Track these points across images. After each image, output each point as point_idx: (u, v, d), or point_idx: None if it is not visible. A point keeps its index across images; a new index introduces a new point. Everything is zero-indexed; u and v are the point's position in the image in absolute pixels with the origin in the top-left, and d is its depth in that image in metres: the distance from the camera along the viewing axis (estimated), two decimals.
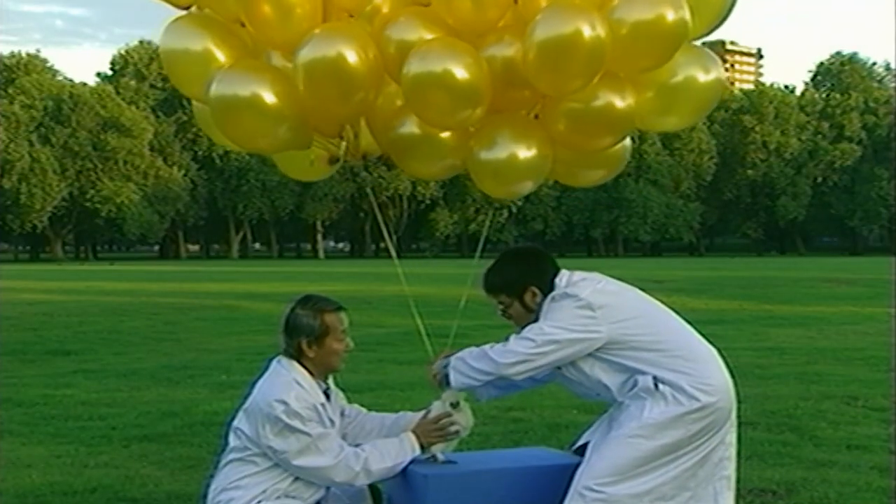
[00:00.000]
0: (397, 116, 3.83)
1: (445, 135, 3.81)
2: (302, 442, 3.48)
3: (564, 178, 4.18)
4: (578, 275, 3.69)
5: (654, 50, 3.56)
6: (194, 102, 3.99)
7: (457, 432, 3.77)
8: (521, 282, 3.70)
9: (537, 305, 3.65)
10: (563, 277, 3.68)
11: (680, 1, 3.49)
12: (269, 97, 3.49)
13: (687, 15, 3.50)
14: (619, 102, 3.64)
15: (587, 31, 3.34)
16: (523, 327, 3.65)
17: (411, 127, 3.80)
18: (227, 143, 4.09)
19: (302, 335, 3.58)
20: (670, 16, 3.47)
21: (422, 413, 3.85)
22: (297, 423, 3.46)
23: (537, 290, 3.67)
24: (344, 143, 3.88)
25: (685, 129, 4.44)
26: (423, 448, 3.68)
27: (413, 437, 3.68)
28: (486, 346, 3.63)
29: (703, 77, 3.76)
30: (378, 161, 4.06)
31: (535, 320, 3.63)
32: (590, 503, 3.43)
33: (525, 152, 3.71)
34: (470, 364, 3.65)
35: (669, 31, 3.48)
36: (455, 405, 3.78)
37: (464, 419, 3.80)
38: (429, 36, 3.50)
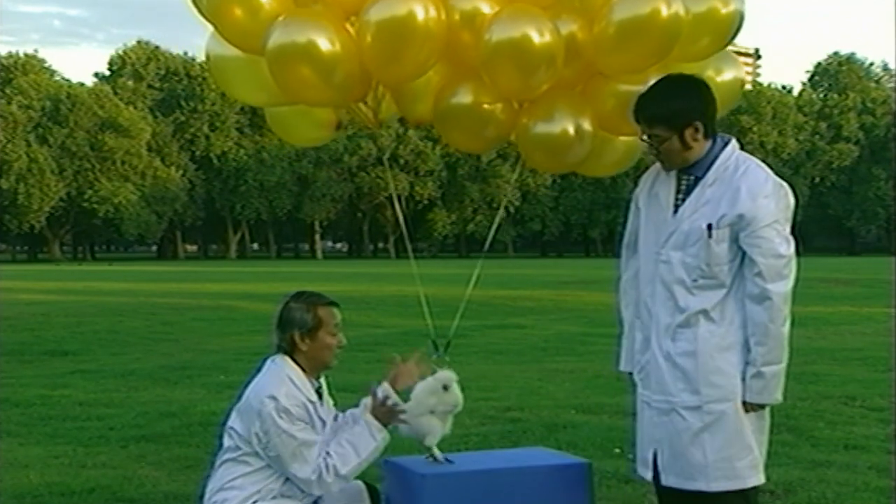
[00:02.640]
0: (449, 86, 3.87)
1: (496, 106, 3.85)
2: (287, 446, 3.45)
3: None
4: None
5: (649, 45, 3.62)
6: (216, 52, 3.96)
7: (403, 412, 3.68)
8: (687, 115, 3.33)
9: (695, 144, 3.35)
10: (736, 146, 3.43)
11: None
12: (328, 47, 3.53)
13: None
14: None
15: (664, 10, 3.45)
16: (682, 173, 3.42)
17: (461, 97, 3.83)
18: (248, 98, 4.16)
19: (295, 328, 3.57)
20: (664, 11, 3.53)
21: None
22: (284, 423, 3.44)
23: (700, 127, 3.35)
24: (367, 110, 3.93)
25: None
26: (385, 427, 3.61)
27: (373, 420, 3.61)
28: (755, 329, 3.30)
29: (722, 77, 3.84)
30: (402, 126, 4.10)
31: (683, 162, 3.40)
32: None
33: (576, 128, 3.78)
34: (775, 353, 3.31)
35: (664, 25, 3.53)
36: (447, 387, 3.73)
37: (453, 398, 3.74)
38: (487, 6, 3.59)
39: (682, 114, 3.33)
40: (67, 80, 79.28)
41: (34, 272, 42.24)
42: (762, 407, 3.39)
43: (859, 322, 15.32)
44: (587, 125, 3.80)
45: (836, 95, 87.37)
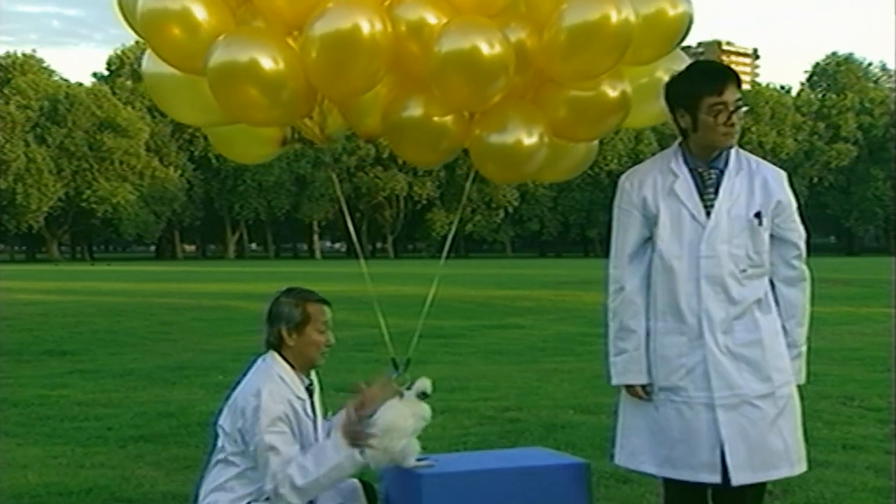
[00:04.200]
0: (399, 99, 3.81)
1: (447, 118, 3.79)
2: (257, 447, 3.40)
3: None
4: None
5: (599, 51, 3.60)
6: (152, 70, 3.81)
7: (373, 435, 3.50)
8: None
9: None
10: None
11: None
12: (272, 65, 3.44)
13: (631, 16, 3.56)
14: (613, 92, 3.70)
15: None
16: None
17: (412, 110, 3.77)
18: (187, 118, 4.04)
19: (282, 322, 3.55)
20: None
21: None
22: (259, 423, 3.39)
23: None
24: (311, 125, 3.86)
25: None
26: (353, 446, 3.44)
27: (339, 436, 3.46)
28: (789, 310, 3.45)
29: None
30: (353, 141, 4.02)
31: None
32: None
33: (530, 138, 3.72)
34: (807, 333, 3.49)
35: (614, 31, 3.50)
36: (423, 395, 3.61)
37: (425, 410, 3.62)
38: (434, 17, 3.51)
39: None
40: (66, 80, 79.34)
41: (32, 272, 42.20)
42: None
43: (858, 322, 15.31)
44: (541, 134, 3.74)
45: (834, 95, 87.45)
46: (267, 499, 3.49)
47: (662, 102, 3.53)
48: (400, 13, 3.52)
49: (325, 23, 3.39)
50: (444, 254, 4.63)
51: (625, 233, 3.58)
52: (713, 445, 3.36)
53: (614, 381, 3.59)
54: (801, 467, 3.47)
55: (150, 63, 3.80)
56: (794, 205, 3.48)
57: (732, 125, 3.38)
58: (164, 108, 4.12)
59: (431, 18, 3.51)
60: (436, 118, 3.75)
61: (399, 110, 3.78)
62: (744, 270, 3.39)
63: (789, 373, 3.45)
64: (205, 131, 4.25)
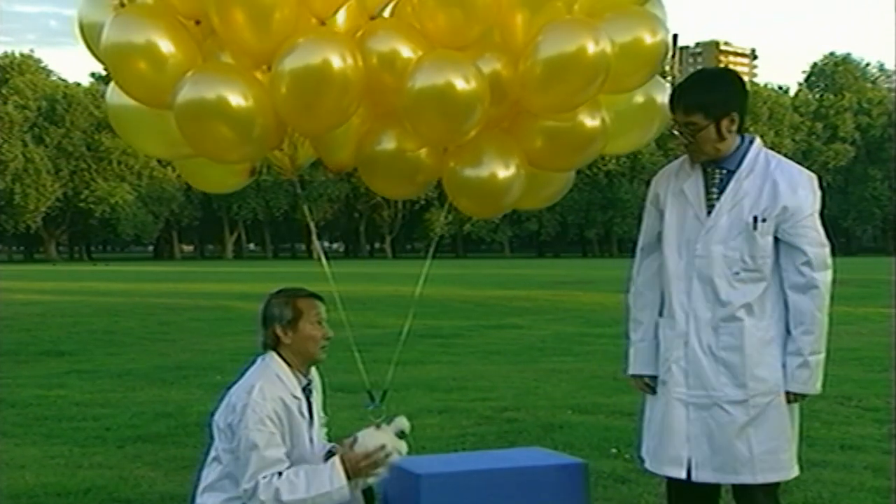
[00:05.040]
0: (372, 132, 3.75)
1: (421, 151, 3.72)
2: (241, 444, 3.39)
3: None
4: None
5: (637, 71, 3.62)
6: (116, 102, 3.74)
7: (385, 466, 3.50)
8: (725, 105, 3.38)
9: (728, 136, 3.40)
10: (761, 143, 3.49)
11: (657, 24, 3.57)
12: (241, 102, 3.35)
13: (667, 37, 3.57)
14: (591, 121, 3.64)
15: (591, 48, 3.35)
16: (709, 164, 3.45)
17: (385, 143, 3.71)
18: (153, 151, 3.99)
19: (276, 321, 3.56)
20: (648, 39, 3.54)
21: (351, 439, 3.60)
22: (243, 420, 3.38)
23: (736, 119, 3.40)
24: (283, 156, 3.78)
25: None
26: (349, 478, 3.40)
27: (340, 468, 3.40)
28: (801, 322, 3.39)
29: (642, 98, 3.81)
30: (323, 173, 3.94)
31: (714, 153, 3.41)
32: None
33: (506, 171, 3.65)
34: (820, 342, 3.43)
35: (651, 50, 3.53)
36: (402, 435, 3.56)
37: (402, 447, 3.56)
38: (406, 49, 3.44)
39: (721, 104, 3.38)
40: (64, 80, 79.35)
41: (30, 272, 42.18)
42: (804, 398, 3.46)
43: (855, 322, 15.31)
44: (517, 166, 3.67)
45: (832, 96, 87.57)
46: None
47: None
48: (371, 45, 3.44)
49: (294, 58, 3.30)
50: (430, 253, 4.56)
51: (644, 227, 3.66)
52: (682, 441, 3.42)
53: (626, 372, 3.67)
54: (767, 477, 3.40)
55: (115, 96, 3.70)
56: (809, 211, 3.41)
57: (690, 143, 3.41)
58: (129, 141, 4.04)
59: (404, 50, 3.43)
60: (409, 152, 3.69)
61: (372, 143, 3.73)
62: (736, 273, 3.38)
63: (773, 382, 3.38)
64: (174, 164, 4.14)
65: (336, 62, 3.28)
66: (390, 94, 3.45)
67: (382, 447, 3.46)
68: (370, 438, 3.51)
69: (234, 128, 3.39)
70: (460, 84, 3.31)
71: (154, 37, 3.40)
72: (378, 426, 3.56)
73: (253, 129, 3.42)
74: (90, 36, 3.64)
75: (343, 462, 3.42)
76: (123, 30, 3.42)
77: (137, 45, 3.40)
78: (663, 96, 3.74)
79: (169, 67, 3.39)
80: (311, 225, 4.43)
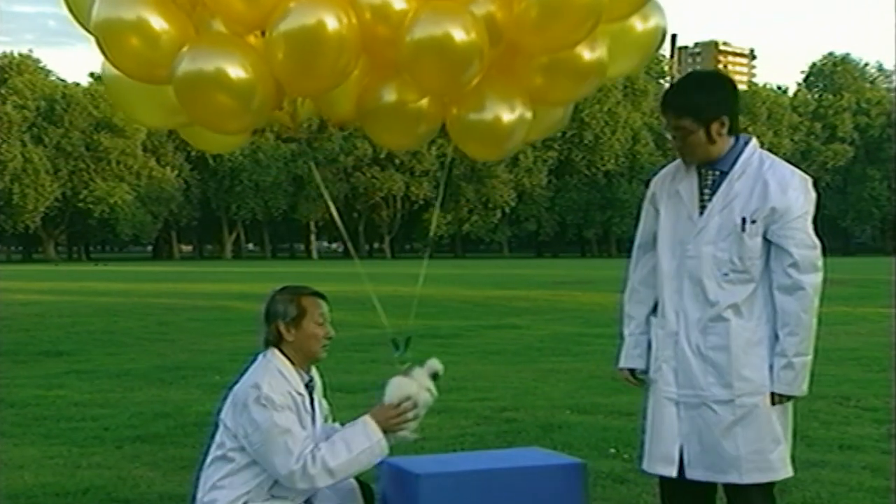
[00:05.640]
0: (372, 86, 3.75)
1: (422, 101, 3.74)
2: (269, 434, 3.39)
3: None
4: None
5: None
6: (110, 75, 3.70)
7: (416, 416, 3.57)
8: (714, 109, 3.38)
9: (719, 139, 3.40)
10: (756, 144, 3.47)
11: None
12: (240, 73, 3.35)
13: None
14: (590, 54, 3.64)
15: None
16: (703, 167, 3.45)
17: (386, 96, 3.71)
18: (152, 122, 3.95)
19: (279, 318, 3.57)
20: None
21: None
22: (267, 411, 3.39)
23: (727, 122, 3.39)
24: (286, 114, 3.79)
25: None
26: (384, 433, 3.50)
27: (372, 423, 3.50)
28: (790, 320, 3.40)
29: (641, 26, 3.78)
30: (321, 130, 3.90)
31: (706, 156, 3.43)
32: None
33: (510, 114, 3.67)
34: (805, 343, 3.43)
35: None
36: (436, 376, 3.62)
37: (432, 390, 3.61)
38: (400, 2, 3.43)
39: (710, 107, 3.38)
40: (62, 80, 79.33)
41: (29, 272, 42.15)
42: (789, 399, 3.44)
43: (854, 322, 15.32)
44: (522, 109, 3.68)
45: (830, 96, 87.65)
46: (264, 500, 3.49)
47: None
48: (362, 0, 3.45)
49: (289, 22, 3.31)
50: (427, 253, 4.60)
51: (641, 226, 3.68)
52: (673, 440, 3.44)
53: (614, 366, 3.70)
54: (754, 477, 3.40)
55: (110, 67, 3.68)
56: (799, 212, 3.39)
57: (681, 147, 3.44)
58: (126, 112, 4.02)
59: (396, 2, 3.44)
60: (411, 103, 3.70)
61: (373, 97, 3.73)
62: (725, 274, 3.39)
63: (759, 383, 3.38)
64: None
65: (331, 22, 3.30)
66: (387, 46, 3.45)
67: (409, 398, 3.51)
68: (396, 388, 3.55)
69: (235, 99, 3.41)
70: (459, 35, 3.32)
71: (143, 12, 3.40)
72: (406, 373, 3.59)
73: (253, 98, 3.44)
74: (77, 11, 3.63)
75: (375, 418, 3.50)
76: (114, 6, 3.42)
77: (128, 21, 3.40)
78: (661, 18, 3.76)
79: (162, 43, 3.40)
80: (324, 190, 4.39)
